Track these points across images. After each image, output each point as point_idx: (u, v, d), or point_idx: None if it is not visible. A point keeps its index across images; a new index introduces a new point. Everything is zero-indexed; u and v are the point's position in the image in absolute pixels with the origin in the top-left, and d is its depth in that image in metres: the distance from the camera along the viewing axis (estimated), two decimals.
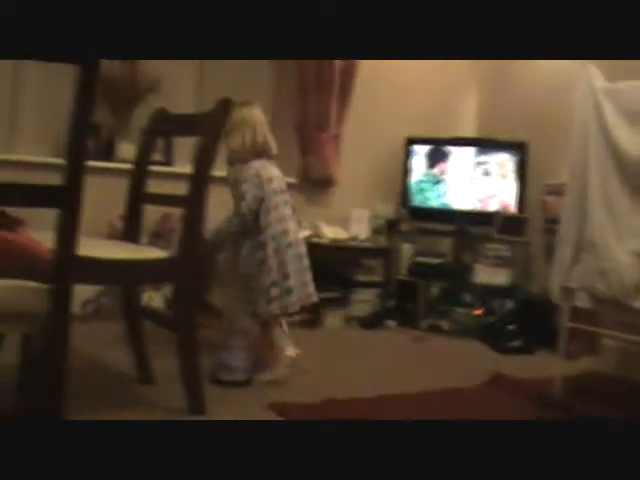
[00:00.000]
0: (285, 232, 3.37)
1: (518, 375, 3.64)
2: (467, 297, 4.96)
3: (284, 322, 3.47)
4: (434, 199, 5.27)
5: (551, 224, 4.15)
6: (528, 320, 4.45)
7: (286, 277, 3.34)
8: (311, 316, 4.64)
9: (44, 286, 1.93)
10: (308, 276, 3.47)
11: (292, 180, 4.99)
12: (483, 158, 5.14)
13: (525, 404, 3.17)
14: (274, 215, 3.36)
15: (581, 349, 3.90)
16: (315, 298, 3.54)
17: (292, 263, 3.36)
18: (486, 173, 5.12)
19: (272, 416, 2.74)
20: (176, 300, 2.68)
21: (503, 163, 5.07)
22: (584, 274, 3.16)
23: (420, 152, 5.29)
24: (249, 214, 3.31)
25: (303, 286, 3.43)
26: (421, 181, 5.28)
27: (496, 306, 4.68)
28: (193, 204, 2.66)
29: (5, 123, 4.33)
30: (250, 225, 3.34)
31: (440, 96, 5.60)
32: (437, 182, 5.25)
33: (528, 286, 4.86)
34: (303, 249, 3.48)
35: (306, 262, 3.47)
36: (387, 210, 5.30)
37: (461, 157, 5.21)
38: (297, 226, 3.54)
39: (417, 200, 5.30)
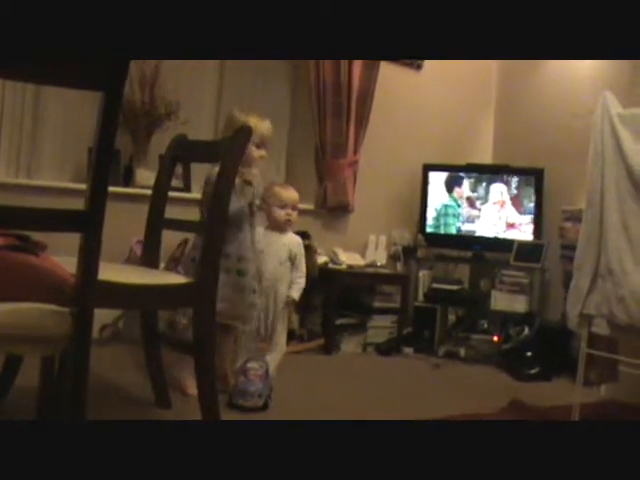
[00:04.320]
0: None
1: (536, 402, 3.64)
2: (484, 324, 4.97)
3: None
4: (451, 226, 5.30)
5: (568, 251, 4.16)
6: (546, 347, 4.45)
7: None
8: (327, 342, 4.67)
9: (65, 310, 1.96)
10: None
11: (310, 207, 5.03)
12: (499, 185, 5.18)
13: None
14: None
15: (599, 377, 3.89)
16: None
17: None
18: (503, 200, 5.15)
19: None
20: (194, 325, 2.71)
21: (519, 190, 5.11)
22: (602, 301, 3.16)
23: (437, 179, 5.32)
24: None
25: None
26: (445, 206, 5.31)
27: (513, 333, 4.67)
28: (211, 230, 2.69)
29: (26, 149, 4.39)
30: None
31: (456, 122, 5.66)
32: (459, 207, 5.28)
33: (546, 313, 4.87)
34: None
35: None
36: (404, 236, 5.34)
37: (477, 184, 5.25)
38: None
39: (434, 226, 5.33)
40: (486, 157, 5.75)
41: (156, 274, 2.85)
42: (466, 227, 5.26)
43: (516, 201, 5.12)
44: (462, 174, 5.28)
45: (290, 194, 3.69)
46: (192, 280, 2.65)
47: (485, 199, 5.22)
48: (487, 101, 5.80)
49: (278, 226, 3.67)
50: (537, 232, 5.01)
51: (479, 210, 5.24)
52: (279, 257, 3.65)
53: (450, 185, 5.29)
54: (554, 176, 4.98)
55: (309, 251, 4.36)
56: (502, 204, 5.15)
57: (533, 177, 5.05)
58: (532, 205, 5.05)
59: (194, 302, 2.68)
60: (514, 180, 5.13)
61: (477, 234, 5.21)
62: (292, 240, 3.72)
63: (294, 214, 3.69)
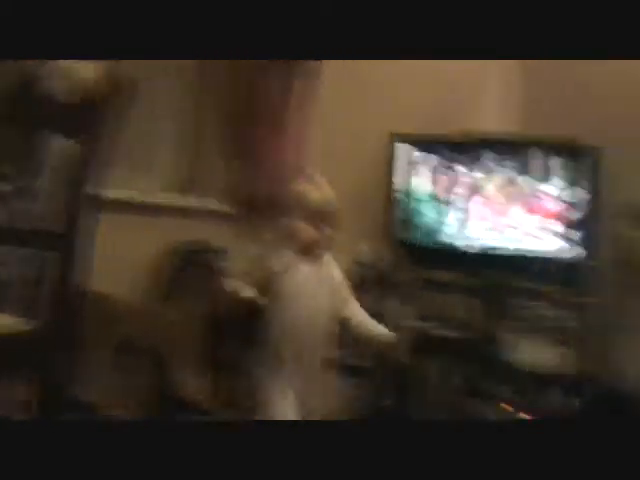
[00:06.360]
0: None
1: None
2: (500, 388, 4.96)
3: None
4: (444, 234, 5.29)
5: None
6: None
7: None
8: None
9: None
10: None
11: (212, 206, 4.78)
12: (524, 169, 5.17)
13: None
14: None
15: None
16: None
17: None
18: (530, 193, 5.13)
19: None
20: (42, 403, 2.64)
21: (558, 177, 5.08)
22: None
23: (416, 158, 5.36)
24: None
25: None
26: (419, 202, 5.34)
27: (549, 403, 4.67)
28: (65, 243, 2.63)
29: None
30: None
31: (448, 73, 5.61)
32: (444, 205, 5.30)
33: (601, 372, 4.84)
34: None
35: None
36: (375, 253, 5.30)
37: (487, 166, 5.26)
38: None
39: (419, 236, 5.32)
40: (497, 125, 5.71)
41: None
42: (472, 238, 5.25)
43: (565, 196, 5.08)
44: (461, 151, 5.28)
45: (322, 195, 3.44)
46: (35, 326, 2.58)
47: (510, 192, 5.19)
48: None
49: (305, 250, 3.46)
50: (587, 244, 4.94)
51: (495, 210, 5.22)
52: (320, 307, 3.48)
53: (437, 169, 5.32)
54: (610, 159, 4.88)
55: (211, 276, 4.32)
56: (547, 200, 5.04)
57: (582, 159, 4.97)
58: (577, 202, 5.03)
59: (37, 362, 2.62)
60: (553, 163, 5.08)
61: (489, 249, 5.20)
62: (332, 271, 3.58)
63: (329, 230, 3.43)
